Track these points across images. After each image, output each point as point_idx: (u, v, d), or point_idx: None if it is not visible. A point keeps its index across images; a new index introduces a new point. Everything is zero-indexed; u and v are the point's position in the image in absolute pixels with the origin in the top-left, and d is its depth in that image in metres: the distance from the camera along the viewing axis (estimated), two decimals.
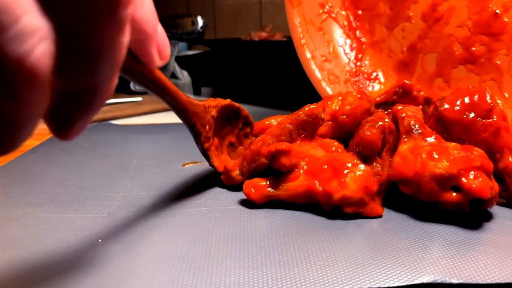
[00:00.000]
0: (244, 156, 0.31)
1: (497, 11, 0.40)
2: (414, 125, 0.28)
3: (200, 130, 0.30)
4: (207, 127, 0.31)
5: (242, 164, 0.31)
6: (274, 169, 0.29)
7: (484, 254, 0.22)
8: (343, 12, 0.51)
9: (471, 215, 0.26)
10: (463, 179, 0.24)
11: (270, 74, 0.71)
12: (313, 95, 0.49)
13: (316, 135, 0.32)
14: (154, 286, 0.19)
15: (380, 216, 0.27)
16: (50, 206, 0.29)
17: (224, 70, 0.79)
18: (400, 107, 0.30)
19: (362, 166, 0.27)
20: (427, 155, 0.26)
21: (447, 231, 0.25)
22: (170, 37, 0.94)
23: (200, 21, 0.90)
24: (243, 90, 0.82)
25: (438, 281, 0.19)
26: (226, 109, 0.33)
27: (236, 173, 0.31)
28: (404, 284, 0.19)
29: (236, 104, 0.34)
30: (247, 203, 0.29)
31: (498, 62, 0.40)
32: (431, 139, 0.27)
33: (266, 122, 0.35)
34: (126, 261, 0.21)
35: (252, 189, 0.28)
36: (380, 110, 0.37)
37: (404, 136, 0.28)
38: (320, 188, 0.27)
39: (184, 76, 1.10)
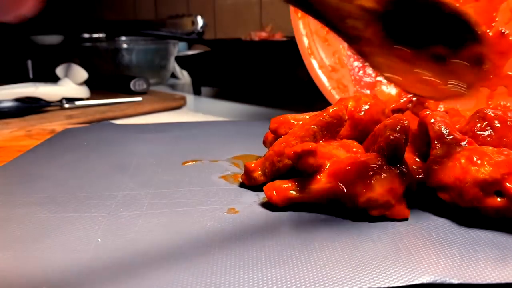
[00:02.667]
0: (266, 157, 0.31)
1: (503, 30, 0.40)
2: (445, 130, 0.28)
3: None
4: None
5: (264, 164, 0.31)
6: (297, 170, 0.28)
7: (484, 254, 0.22)
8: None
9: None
10: (507, 183, 0.24)
11: (270, 74, 0.71)
12: (314, 95, 0.49)
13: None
14: (154, 286, 0.19)
15: (407, 219, 0.26)
16: (49, 205, 0.29)
17: (224, 70, 0.78)
18: (428, 112, 0.29)
19: (387, 168, 0.26)
20: (466, 160, 0.25)
21: (447, 231, 0.25)
22: (170, 37, 0.94)
23: (200, 21, 0.90)
24: (243, 90, 0.82)
25: (438, 281, 0.19)
26: None
27: (258, 173, 0.31)
28: (404, 284, 0.19)
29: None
30: (248, 202, 0.29)
31: (509, 73, 0.40)
32: (464, 144, 0.27)
33: (282, 118, 0.34)
34: (126, 261, 0.21)
35: (274, 192, 0.28)
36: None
37: (436, 142, 0.28)
38: (345, 191, 0.26)
39: (184, 76, 1.10)
